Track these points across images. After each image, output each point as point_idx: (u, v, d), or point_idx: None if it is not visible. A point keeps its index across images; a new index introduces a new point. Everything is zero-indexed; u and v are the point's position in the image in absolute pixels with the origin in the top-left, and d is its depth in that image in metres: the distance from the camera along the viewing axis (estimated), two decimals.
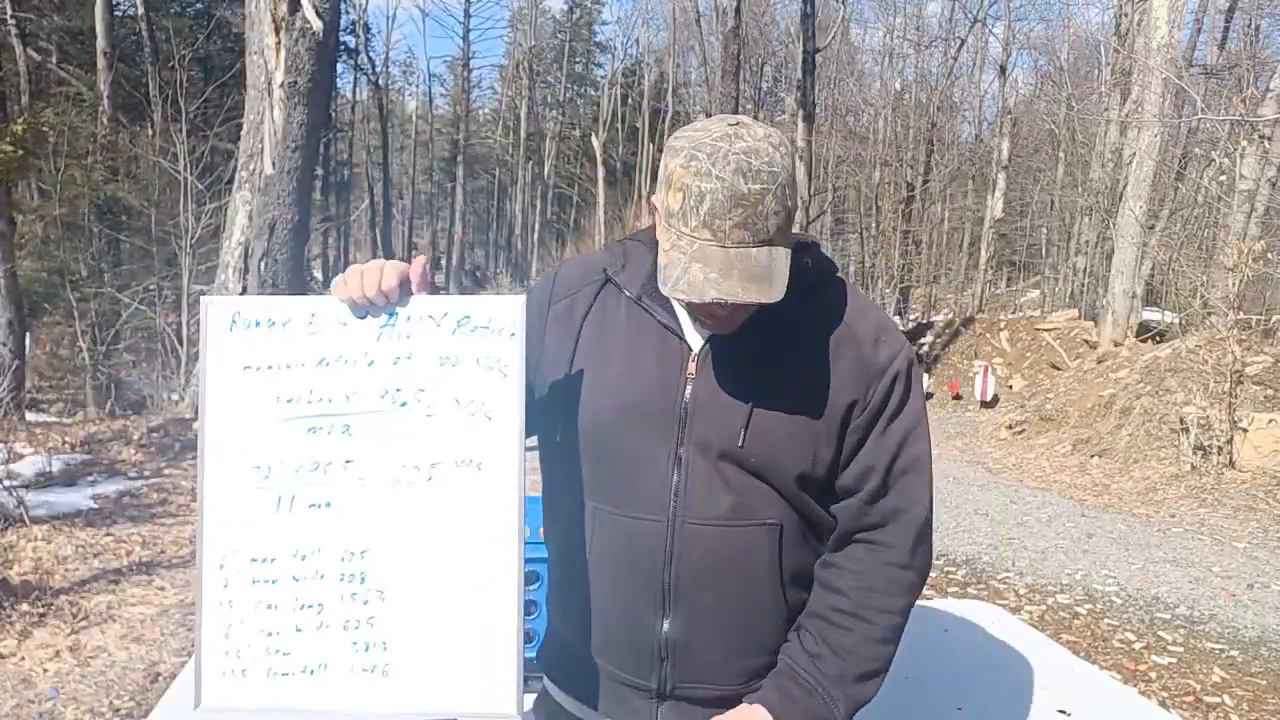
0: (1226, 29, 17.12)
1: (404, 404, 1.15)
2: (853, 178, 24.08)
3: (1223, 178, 11.59)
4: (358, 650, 1.16)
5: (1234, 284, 8.27)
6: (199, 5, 20.65)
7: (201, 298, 1.18)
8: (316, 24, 7.17)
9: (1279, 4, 17.73)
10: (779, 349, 1.19)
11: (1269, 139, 11.05)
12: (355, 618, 1.16)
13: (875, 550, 1.20)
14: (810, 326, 1.20)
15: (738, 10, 12.60)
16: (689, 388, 1.19)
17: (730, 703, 1.22)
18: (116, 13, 16.36)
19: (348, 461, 1.15)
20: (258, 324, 1.15)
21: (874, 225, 22.28)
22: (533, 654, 1.35)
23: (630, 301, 1.25)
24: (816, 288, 1.22)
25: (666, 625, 1.22)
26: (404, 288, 1.15)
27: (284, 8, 7.21)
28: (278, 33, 7.23)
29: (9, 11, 14.05)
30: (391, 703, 1.16)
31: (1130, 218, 11.94)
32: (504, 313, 1.16)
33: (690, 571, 1.20)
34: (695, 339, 1.21)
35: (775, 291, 1.08)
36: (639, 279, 1.25)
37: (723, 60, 13.63)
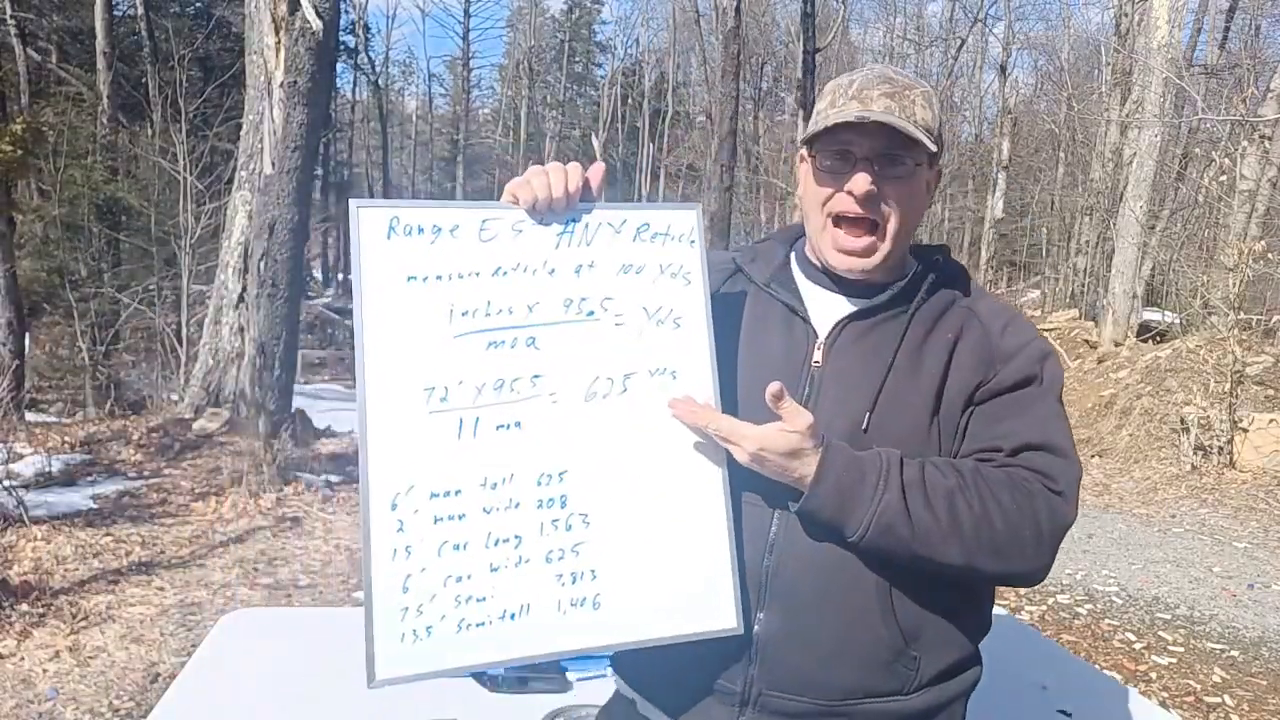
0: (1227, 29, 17.12)
1: (591, 313, 1.08)
2: None
3: (1223, 178, 11.58)
4: (564, 584, 1.06)
5: (1234, 284, 8.26)
6: (198, 5, 20.64)
7: (350, 200, 1.05)
8: (316, 24, 7.17)
9: (1279, 4, 17.72)
10: (906, 338, 1.16)
11: (1269, 139, 11.04)
12: (559, 547, 1.06)
13: (1038, 475, 1.11)
14: (938, 319, 1.18)
15: (738, 10, 12.59)
16: (814, 375, 1.17)
17: None
18: (116, 12, 16.36)
19: (535, 377, 1.06)
20: (421, 230, 1.04)
21: None
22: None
23: (758, 289, 1.24)
24: (945, 285, 1.22)
25: (759, 622, 1.12)
26: (583, 193, 1.12)
27: (284, 7, 7.20)
28: (277, 32, 7.23)
29: (9, 11, 14.05)
30: (607, 634, 1.07)
31: (1130, 218, 11.94)
32: (682, 220, 1.13)
33: (790, 564, 1.11)
34: (823, 325, 1.19)
35: (911, 127, 1.10)
36: (770, 269, 1.26)
37: (723, 60, 13.62)
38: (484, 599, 1.03)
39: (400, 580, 1.00)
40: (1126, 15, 15.70)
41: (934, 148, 1.14)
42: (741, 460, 1.07)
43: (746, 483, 1.11)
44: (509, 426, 1.05)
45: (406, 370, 1.02)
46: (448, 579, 1.02)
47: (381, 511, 1.00)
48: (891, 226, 1.15)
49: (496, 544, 1.04)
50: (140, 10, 16.51)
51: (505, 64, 43.43)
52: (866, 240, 1.16)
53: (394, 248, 1.03)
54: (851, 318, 1.19)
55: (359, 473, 1.01)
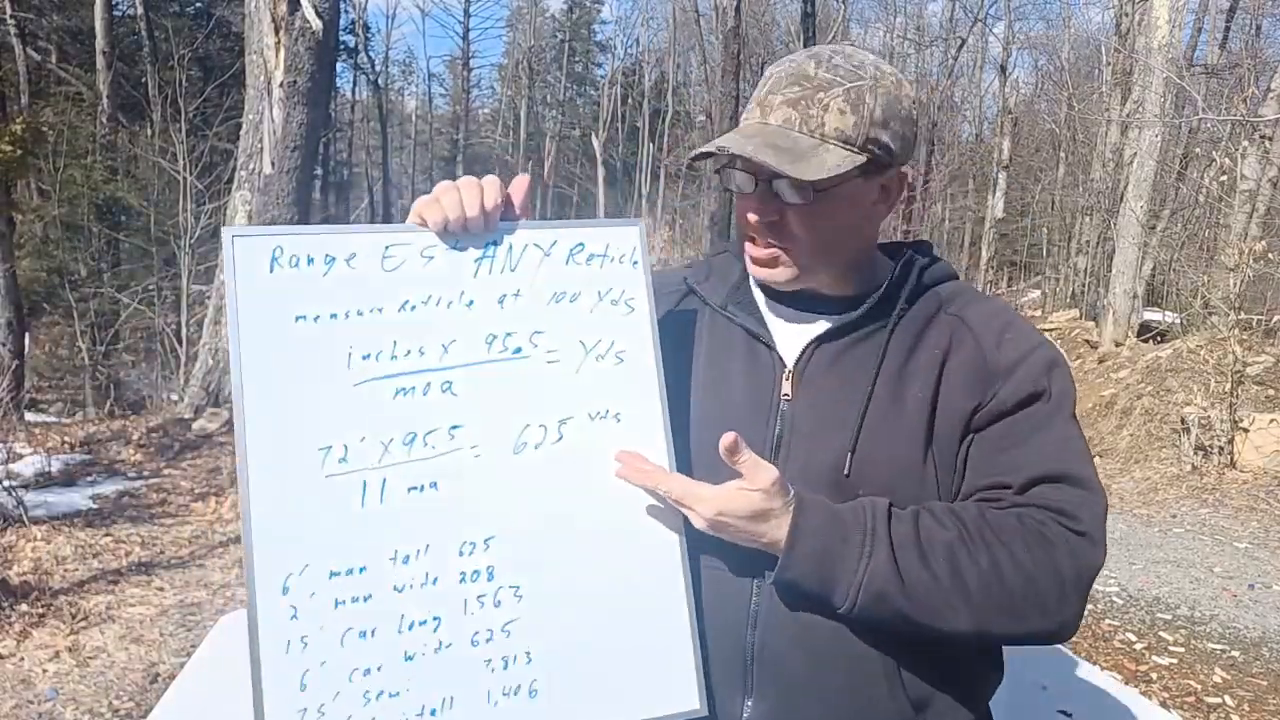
0: (1227, 29, 17.12)
1: (518, 350, 0.95)
2: None
3: (1224, 178, 11.58)
4: (493, 670, 0.91)
5: (1235, 284, 8.26)
6: (198, 5, 20.65)
7: (223, 230, 0.90)
8: (316, 23, 7.17)
9: (1279, 4, 17.73)
10: (886, 359, 1.01)
11: (1270, 139, 11.04)
12: (486, 627, 0.91)
13: (1055, 516, 0.95)
14: (922, 333, 1.02)
15: (738, 10, 12.59)
16: (784, 410, 1.01)
17: None
18: (116, 12, 16.36)
19: (454, 428, 0.92)
20: (310, 260, 0.90)
21: None
22: None
23: (714, 312, 1.09)
24: (928, 291, 1.06)
25: (747, 710, 0.99)
26: (504, 211, 0.98)
27: (283, 7, 7.20)
28: (277, 32, 7.23)
29: (8, 11, 14.05)
30: None
31: (1131, 218, 11.93)
32: (622, 239, 1.00)
33: (778, 639, 0.97)
34: (790, 350, 1.04)
35: (799, 169, 0.92)
36: (726, 287, 1.10)
37: (723, 60, 13.62)
38: (398, 694, 0.88)
39: (297, 677, 0.86)
40: (1127, 15, 15.70)
41: (832, 169, 0.93)
42: (700, 526, 0.93)
43: (719, 547, 0.96)
44: (423, 488, 0.91)
45: (297, 427, 0.88)
46: (354, 673, 0.87)
47: (271, 597, 0.86)
48: (806, 245, 0.99)
49: (411, 628, 0.89)
50: (140, 10, 16.51)
51: (505, 64, 43.47)
52: (768, 252, 1.01)
53: (278, 283, 0.89)
54: (821, 340, 1.02)
55: (244, 550, 0.86)
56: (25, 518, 4.83)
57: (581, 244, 0.99)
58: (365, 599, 0.89)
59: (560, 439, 0.95)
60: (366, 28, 33.23)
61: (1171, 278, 14.98)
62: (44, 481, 5.74)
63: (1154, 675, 3.99)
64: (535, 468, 0.94)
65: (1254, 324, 9.34)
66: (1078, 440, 0.99)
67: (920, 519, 0.94)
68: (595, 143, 29.47)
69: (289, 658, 0.86)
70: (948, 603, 0.91)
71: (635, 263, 1.00)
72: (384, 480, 0.90)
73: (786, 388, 1.02)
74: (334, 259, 0.91)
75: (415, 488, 0.91)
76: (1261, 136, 11.07)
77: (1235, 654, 4.24)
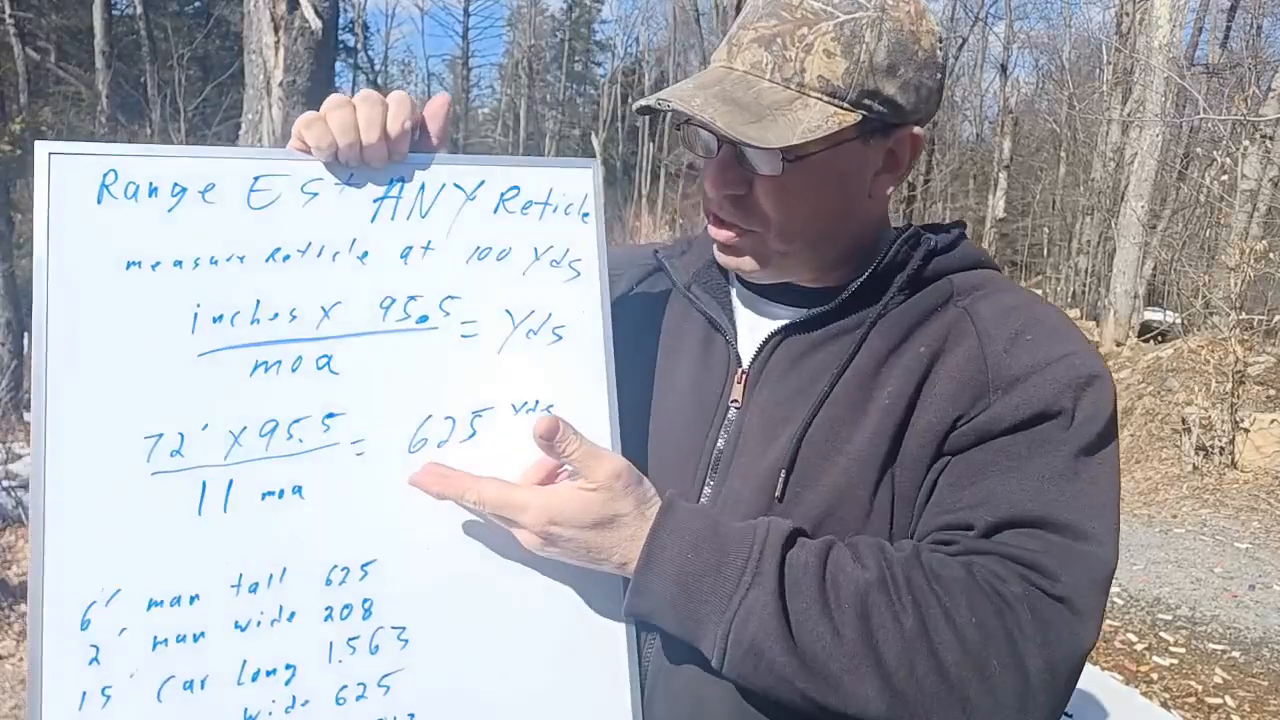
0: (1228, 28, 17.12)
1: (424, 319, 0.74)
2: None
3: (1225, 177, 11.58)
4: None
5: (1236, 284, 8.26)
6: (197, 4, 20.67)
7: (37, 145, 0.68)
8: (315, 23, 7.16)
9: (1279, 3, 17.74)
10: (858, 357, 0.80)
11: (1271, 139, 11.04)
12: (358, 680, 0.70)
13: (1021, 570, 0.71)
14: (914, 328, 0.81)
15: (738, 8, 12.57)
16: (729, 418, 0.83)
17: None
18: (115, 11, 16.39)
19: (330, 416, 0.71)
20: (154, 190, 0.68)
21: None
22: None
23: (678, 292, 0.91)
24: (938, 280, 0.83)
25: None
26: (413, 138, 0.76)
27: (282, 6, 7.20)
28: (276, 32, 7.22)
29: (7, 10, 14.05)
30: None
31: (1132, 217, 11.94)
32: (570, 183, 0.79)
33: (664, 699, 0.78)
34: (748, 345, 0.85)
35: (758, 131, 0.71)
36: (696, 265, 0.92)
37: None
38: None
39: None
40: (1128, 14, 15.69)
41: (791, 135, 0.72)
42: (530, 547, 0.72)
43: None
44: (282, 494, 0.69)
45: (117, 407, 0.67)
46: None
47: (63, 634, 0.64)
48: (777, 227, 0.79)
49: (256, 679, 0.67)
50: (139, 9, 16.52)
51: (505, 63, 43.50)
52: (728, 234, 0.81)
53: (107, 218, 0.68)
54: (786, 333, 0.83)
55: (30, 568, 0.65)
56: (24, 518, 4.82)
57: (516, 187, 0.77)
58: (195, 638, 0.66)
59: (472, 435, 0.74)
60: (366, 27, 33.30)
61: (1172, 277, 14.99)
62: None
63: (1154, 676, 3.99)
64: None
65: (1255, 324, 9.34)
66: (1096, 487, 0.75)
67: (833, 552, 0.72)
68: (595, 142, 29.48)
69: (82, 717, 0.63)
70: (851, 668, 0.67)
71: (586, 215, 0.79)
72: (230, 482, 0.68)
73: (737, 391, 0.83)
74: (184, 190, 0.69)
75: (272, 493, 0.69)
76: (1262, 136, 11.07)
77: (1236, 654, 4.24)
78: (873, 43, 0.75)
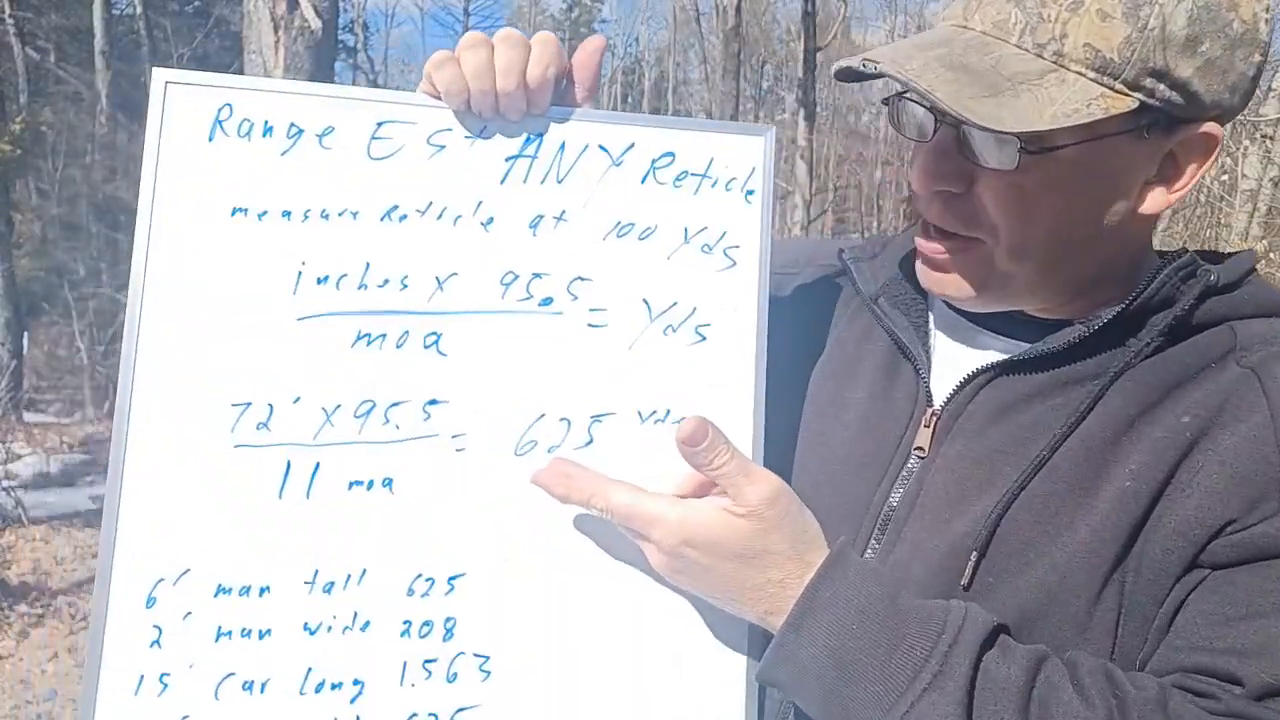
0: None
1: (547, 301, 0.65)
2: (854, 177, 24.19)
3: (1225, 177, 11.58)
4: None
5: None
6: (197, 3, 20.69)
7: (154, 71, 0.63)
8: (315, 23, 7.16)
9: (1279, 4, 17.76)
10: (1091, 418, 0.63)
11: (1271, 139, 11.05)
12: (429, 711, 0.63)
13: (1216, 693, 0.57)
14: (1179, 388, 0.63)
15: (738, 9, 12.60)
16: (910, 470, 0.68)
17: None
18: (115, 11, 16.40)
19: (432, 403, 0.64)
20: (269, 130, 0.62)
21: (875, 225, 22.34)
22: None
23: (862, 304, 0.76)
24: (1215, 326, 0.65)
25: None
26: (558, 88, 0.66)
27: (282, 6, 7.19)
28: (276, 31, 7.22)
29: (7, 10, 14.07)
30: None
31: None
32: (735, 154, 0.68)
33: None
34: (945, 381, 0.69)
35: (997, 108, 0.56)
36: (887, 273, 0.75)
37: (723, 59, 13.62)
38: None
39: None
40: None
41: (1033, 116, 0.56)
42: (657, 566, 0.62)
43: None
44: (371, 485, 0.63)
45: (206, 366, 0.61)
46: None
47: (128, 609, 0.60)
48: (1002, 235, 0.63)
49: (320, 690, 0.62)
50: (139, 9, 16.53)
51: None
52: (939, 247, 0.66)
53: (218, 156, 0.62)
54: (998, 371, 0.67)
55: (101, 539, 0.62)
56: (24, 518, 4.82)
57: (670, 153, 0.67)
58: (261, 635, 0.61)
59: (589, 443, 0.65)
60: (366, 27, 33.25)
61: None
62: (43, 482, 5.74)
63: None
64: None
65: None
66: None
67: (1045, 668, 0.57)
68: None
69: (137, 702, 0.59)
70: None
71: (750, 193, 0.68)
72: (317, 465, 0.62)
73: (924, 437, 0.68)
74: (301, 132, 0.63)
75: (360, 483, 0.63)
76: (1263, 136, 11.08)
77: None
78: (1169, 4, 0.57)
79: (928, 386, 0.70)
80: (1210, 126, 0.62)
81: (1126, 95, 0.58)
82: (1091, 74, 0.58)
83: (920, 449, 0.68)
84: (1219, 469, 0.59)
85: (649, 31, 40.26)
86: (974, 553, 0.62)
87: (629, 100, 40.26)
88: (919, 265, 0.69)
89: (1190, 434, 0.61)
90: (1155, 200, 0.64)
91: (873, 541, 0.68)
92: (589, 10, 44.29)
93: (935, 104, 0.59)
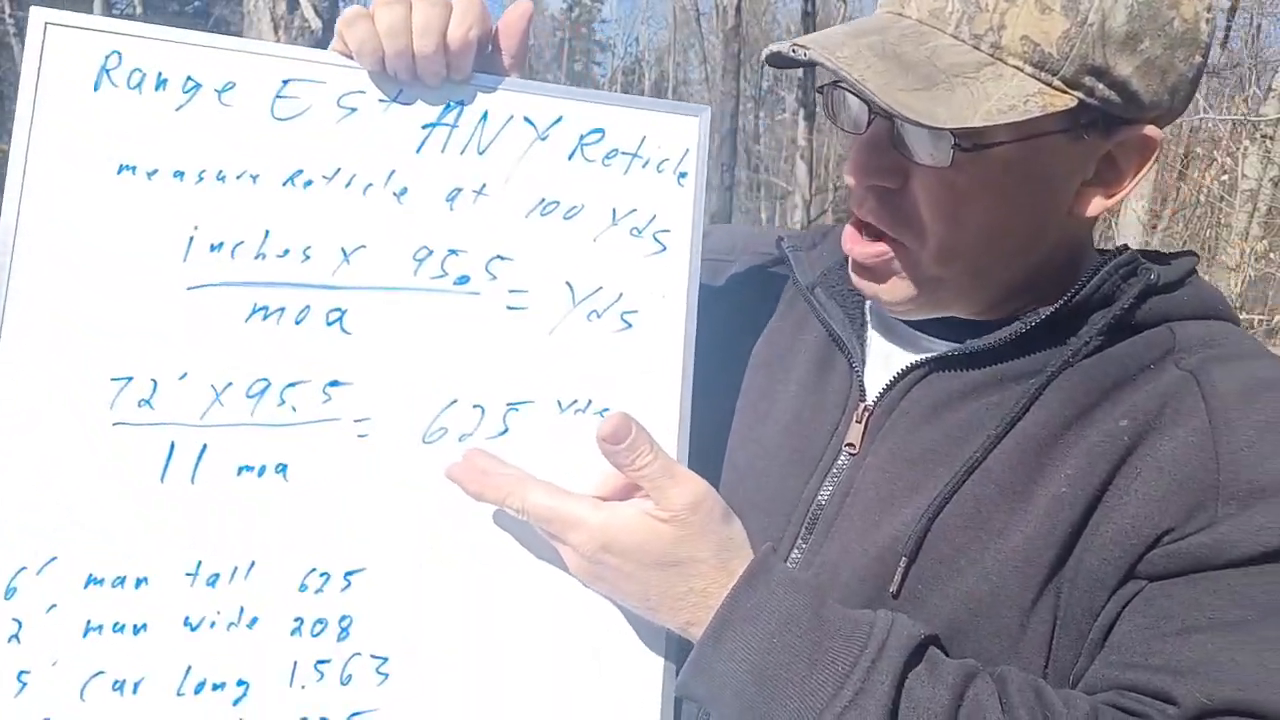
0: (1228, 28, 17.12)
1: (463, 279, 0.61)
2: None
3: (1225, 177, 11.58)
4: None
5: (1236, 284, 8.27)
6: (197, 4, 20.75)
7: (32, 9, 0.56)
8: (315, 22, 7.16)
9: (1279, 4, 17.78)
10: (1025, 420, 0.61)
11: (1271, 139, 11.04)
12: (320, 715, 0.59)
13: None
14: (1115, 389, 0.61)
15: (738, 9, 12.60)
16: (839, 465, 0.66)
17: None
18: (115, 11, 16.45)
19: (333, 385, 0.60)
20: (162, 82, 0.57)
21: None
22: None
23: (797, 293, 0.74)
24: (1154, 327, 0.63)
25: None
26: (481, 53, 0.61)
27: (282, 6, 7.20)
28: (276, 32, 7.22)
29: (7, 10, 14.10)
30: None
31: (1132, 217, 11.94)
32: (669, 134, 0.64)
33: None
34: (879, 375, 0.68)
35: (928, 103, 0.54)
36: (825, 263, 0.74)
37: (723, 59, 13.63)
38: None
39: None
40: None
41: (971, 112, 0.54)
42: (576, 571, 0.60)
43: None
44: (263, 471, 0.59)
45: (84, 336, 0.56)
46: None
47: None
48: (930, 236, 0.61)
49: (199, 691, 0.57)
50: (139, 9, 16.57)
51: None
52: (873, 250, 0.63)
53: (103, 107, 0.57)
54: (932, 366, 0.65)
55: None
56: None
57: (600, 130, 0.63)
58: (136, 630, 0.56)
59: (503, 432, 0.61)
60: None
61: None
62: None
63: None
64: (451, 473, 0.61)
65: (1255, 324, 9.34)
66: None
67: (973, 687, 0.54)
68: None
69: None
70: None
71: (683, 175, 0.64)
72: (204, 447, 0.58)
73: (855, 433, 0.66)
74: (198, 87, 0.58)
75: (251, 468, 0.58)
76: (1263, 136, 11.08)
77: None
78: (1116, 8, 0.55)
79: (861, 381, 0.68)
80: (1150, 129, 0.60)
81: (1065, 93, 0.56)
82: (1029, 69, 0.56)
83: (851, 445, 0.66)
84: (1157, 476, 0.57)
85: (649, 31, 40.28)
86: (903, 558, 0.60)
87: None
88: (850, 269, 0.67)
89: (1128, 438, 0.59)
90: (1092, 204, 0.62)
91: (800, 541, 0.66)
92: (589, 10, 44.27)
93: (864, 96, 0.57)
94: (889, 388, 0.66)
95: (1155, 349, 0.62)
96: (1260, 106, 11.16)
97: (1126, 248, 0.65)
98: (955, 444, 0.62)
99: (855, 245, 0.64)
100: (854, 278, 0.67)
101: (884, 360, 0.69)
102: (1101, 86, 0.57)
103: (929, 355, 0.66)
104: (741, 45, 14.00)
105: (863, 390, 0.68)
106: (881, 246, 0.63)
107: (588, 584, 0.60)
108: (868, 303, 0.71)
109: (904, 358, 0.67)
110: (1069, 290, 0.62)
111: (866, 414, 0.66)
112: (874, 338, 0.71)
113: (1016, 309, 0.65)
